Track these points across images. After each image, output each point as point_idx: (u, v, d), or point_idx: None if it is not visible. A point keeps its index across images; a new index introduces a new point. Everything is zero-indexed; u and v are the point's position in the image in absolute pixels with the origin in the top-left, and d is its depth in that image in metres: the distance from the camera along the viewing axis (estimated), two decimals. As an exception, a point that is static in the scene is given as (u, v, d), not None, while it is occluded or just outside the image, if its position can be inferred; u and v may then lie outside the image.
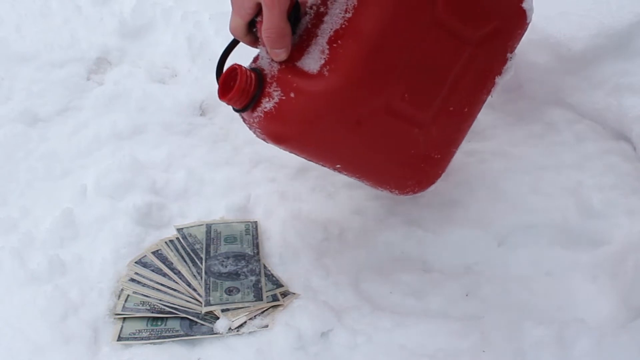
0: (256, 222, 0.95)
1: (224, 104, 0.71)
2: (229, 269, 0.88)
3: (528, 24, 0.77)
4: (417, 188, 0.81)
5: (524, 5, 0.75)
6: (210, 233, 0.93)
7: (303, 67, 0.67)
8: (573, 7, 1.03)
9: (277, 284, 0.88)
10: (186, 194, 0.99)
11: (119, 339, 0.80)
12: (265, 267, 0.90)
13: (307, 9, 0.69)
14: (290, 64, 0.68)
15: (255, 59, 0.74)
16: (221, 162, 1.04)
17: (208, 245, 0.92)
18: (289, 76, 0.68)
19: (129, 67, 1.21)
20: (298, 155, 0.75)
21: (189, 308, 0.84)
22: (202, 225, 0.95)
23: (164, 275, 0.88)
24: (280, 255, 0.91)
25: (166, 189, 0.99)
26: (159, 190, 0.99)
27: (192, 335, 0.81)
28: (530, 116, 1.06)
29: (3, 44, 1.20)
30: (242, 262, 0.90)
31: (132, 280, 0.87)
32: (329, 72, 0.66)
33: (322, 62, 0.66)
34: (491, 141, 1.03)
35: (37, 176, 1.01)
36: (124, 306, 0.84)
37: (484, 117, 1.03)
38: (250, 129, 0.74)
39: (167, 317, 0.83)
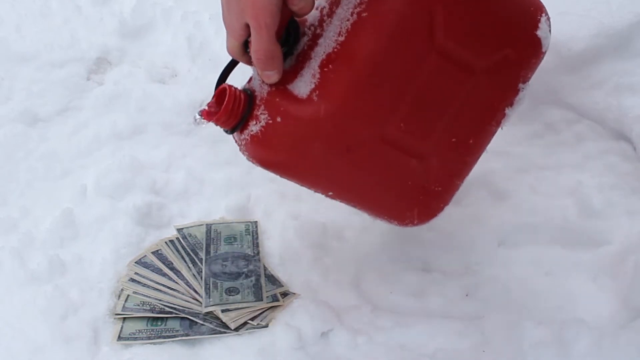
0: (256, 222, 0.95)
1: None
2: (229, 269, 0.88)
3: (544, 53, 0.72)
4: (416, 220, 0.76)
5: (539, 33, 0.70)
6: (210, 233, 0.93)
7: (293, 90, 0.64)
8: (573, 7, 1.03)
9: (277, 284, 0.88)
10: (186, 194, 0.99)
11: (119, 339, 0.80)
12: (265, 267, 0.90)
13: (305, 29, 0.66)
14: (281, 86, 0.65)
15: (250, 80, 0.71)
16: (221, 162, 1.04)
17: (208, 246, 0.92)
18: (277, 99, 0.65)
19: (129, 67, 1.21)
20: (290, 180, 0.72)
21: (189, 308, 0.84)
22: (202, 225, 0.94)
23: (164, 275, 0.88)
24: (280, 255, 0.91)
25: (166, 189, 0.99)
26: (159, 190, 0.99)
27: (192, 335, 0.81)
28: (530, 116, 1.06)
29: (3, 44, 1.20)
30: (242, 262, 0.90)
31: (132, 280, 0.87)
32: (317, 97, 0.63)
33: (312, 86, 0.63)
34: (491, 141, 1.03)
35: (37, 176, 1.01)
36: (124, 306, 0.84)
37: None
38: (239, 151, 0.71)
39: (167, 317, 0.83)
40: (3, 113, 1.09)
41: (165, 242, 0.92)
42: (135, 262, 0.89)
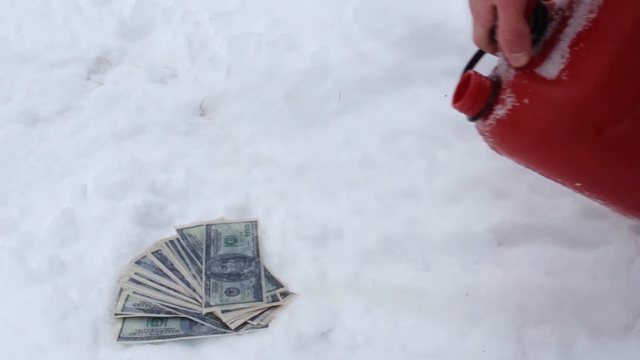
0: (256, 221, 0.95)
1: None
2: (229, 270, 0.88)
3: None
4: None
5: None
6: (210, 234, 0.93)
7: (541, 73, 0.62)
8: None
9: (277, 284, 0.88)
10: (186, 194, 0.99)
11: (119, 339, 0.80)
12: (265, 268, 0.90)
13: (553, 14, 0.63)
14: (528, 69, 0.62)
15: (495, 68, 0.68)
16: (221, 162, 1.04)
17: (208, 246, 0.92)
18: (525, 81, 0.62)
19: (129, 67, 1.21)
20: (534, 171, 0.68)
21: (189, 308, 0.84)
22: (201, 225, 0.95)
23: (164, 275, 0.88)
24: (280, 255, 0.91)
25: (166, 189, 0.99)
26: (159, 190, 0.99)
27: (192, 335, 0.81)
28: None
29: (3, 44, 1.20)
30: (242, 263, 0.90)
31: (132, 280, 0.87)
32: (567, 77, 0.60)
33: (561, 67, 0.60)
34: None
35: (37, 176, 1.01)
36: (124, 306, 0.84)
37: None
38: (483, 139, 0.69)
39: (167, 317, 0.83)
40: (3, 113, 1.09)
41: (165, 243, 0.92)
42: (135, 262, 0.89)
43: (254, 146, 1.05)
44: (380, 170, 0.99)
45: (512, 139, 0.65)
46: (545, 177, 0.68)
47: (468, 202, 0.95)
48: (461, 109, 0.66)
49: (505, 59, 0.64)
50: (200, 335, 0.81)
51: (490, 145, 0.68)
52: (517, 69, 0.63)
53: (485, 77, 0.66)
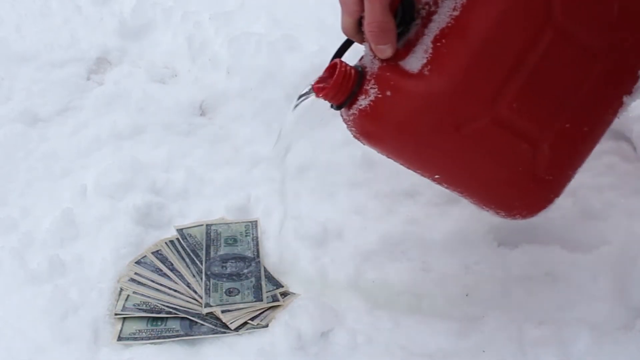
0: (256, 221, 0.95)
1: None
2: (229, 271, 0.88)
3: None
4: (525, 212, 0.72)
5: None
6: (210, 234, 0.93)
7: (405, 66, 0.63)
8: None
9: (277, 284, 0.88)
10: (186, 194, 0.99)
11: (119, 339, 0.80)
12: (265, 268, 0.90)
13: (420, 9, 0.65)
14: (392, 62, 0.64)
15: (361, 58, 0.69)
16: (221, 162, 1.04)
17: (208, 247, 0.92)
18: (388, 74, 0.64)
19: (129, 67, 1.21)
20: (396, 161, 0.70)
21: (189, 308, 0.84)
22: (201, 225, 0.95)
23: (164, 275, 0.88)
24: (280, 255, 0.91)
25: (166, 189, 0.99)
26: (159, 190, 0.99)
27: (192, 335, 0.81)
28: (530, 116, 1.06)
29: (3, 44, 1.20)
30: (242, 264, 0.90)
31: (132, 280, 0.87)
32: (428, 72, 0.62)
33: (424, 61, 0.62)
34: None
35: (37, 176, 1.01)
36: (124, 306, 0.84)
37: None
38: (347, 127, 0.70)
39: (167, 317, 0.83)
40: (3, 113, 1.09)
41: (165, 243, 0.92)
42: (135, 262, 0.89)
43: (254, 146, 1.05)
44: (380, 170, 0.99)
45: (372, 129, 0.66)
46: (406, 168, 0.70)
47: (468, 202, 0.95)
48: (325, 97, 0.67)
49: (371, 50, 0.65)
50: (200, 335, 0.81)
51: (353, 135, 0.69)
52: (382, 60, 0.64)
53: (351, 66, 0.66)
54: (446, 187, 0.71)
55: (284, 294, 0.86)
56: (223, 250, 0.91)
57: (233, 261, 0.90)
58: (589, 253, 0.89)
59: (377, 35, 0.62)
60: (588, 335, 0.77)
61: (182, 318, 0.83)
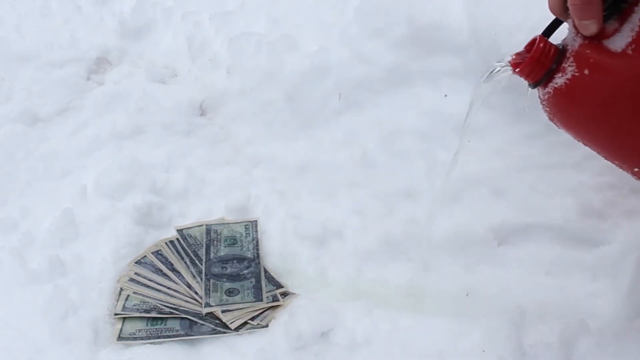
0: (256, 220, 0.95)
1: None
2: (229, 271, 0.89)
3: None
4: None
5: None
6: (210, 234, 0.93)
7: (608, 45, 0.59)
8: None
9: (277, 284, 0.88)
10: (186, 194, 0.99)
11: (119, 339, 0.80)
12: (265, 268, 0.90)
13: None
14: (595, 40, 0.60)
15: (565, 38, 0.65)
16: (221, 162, 1.04)
17: (208, 247, 0.92)
18: (588, 51, 0.60)
19: (129, 67, 1.21)
20: (591, 148, 0.65)
21: (188, 308, 0.84)
22: (201, 225, 0.95)
23: (164, 275, 0.88)
24: (280, 255, 0.91)
25: (166, 189, 0.99)
26: (159, 190, 0.99)
27: (192, 335, 0.81)
28: (530, 116, 1.06)
29: (3, 44, 1.20)
30: (242, 264, 0.90)
31: (132, 280, 0.87)
32: (632, 52, 0.57)
33: (629, 40, 0.58)
34: (491, 140, 1.02)
35: (37, 176, 1.01)
36: (124, 306, 0.84)
37: (484, 117, 1.03)
38: (542, 109, 0.66)
39: (167, 317, 0.83)
40: (3, 113, 1.09)
41: (165, 243, 0.92)
42: (135, 262, 0.89)
43: (254, 146, 1.05)
44: (380, 170, 0.99)
45: (567, 110, 0.63)
46: (603, 157, 0.66)
47: (468, 202, 0.95)
48: (521, 72, 0.64)
49: (574, 27, 0.61)
50: (200, 335, 0.81)
51: (547, 116, 0.66)
52: (584, 38, 0.61)
53: (551, 44, 0.63)
54: None
55: (284, 294, 0.86)
56: (223, 251, 0.91)
57: (233, 262, 0.90)
58: (589, 253, 0.89)
59: (581, 9, 0.59)
60: (588, 335, 0.77)
61: (182, 318, 0.83)
